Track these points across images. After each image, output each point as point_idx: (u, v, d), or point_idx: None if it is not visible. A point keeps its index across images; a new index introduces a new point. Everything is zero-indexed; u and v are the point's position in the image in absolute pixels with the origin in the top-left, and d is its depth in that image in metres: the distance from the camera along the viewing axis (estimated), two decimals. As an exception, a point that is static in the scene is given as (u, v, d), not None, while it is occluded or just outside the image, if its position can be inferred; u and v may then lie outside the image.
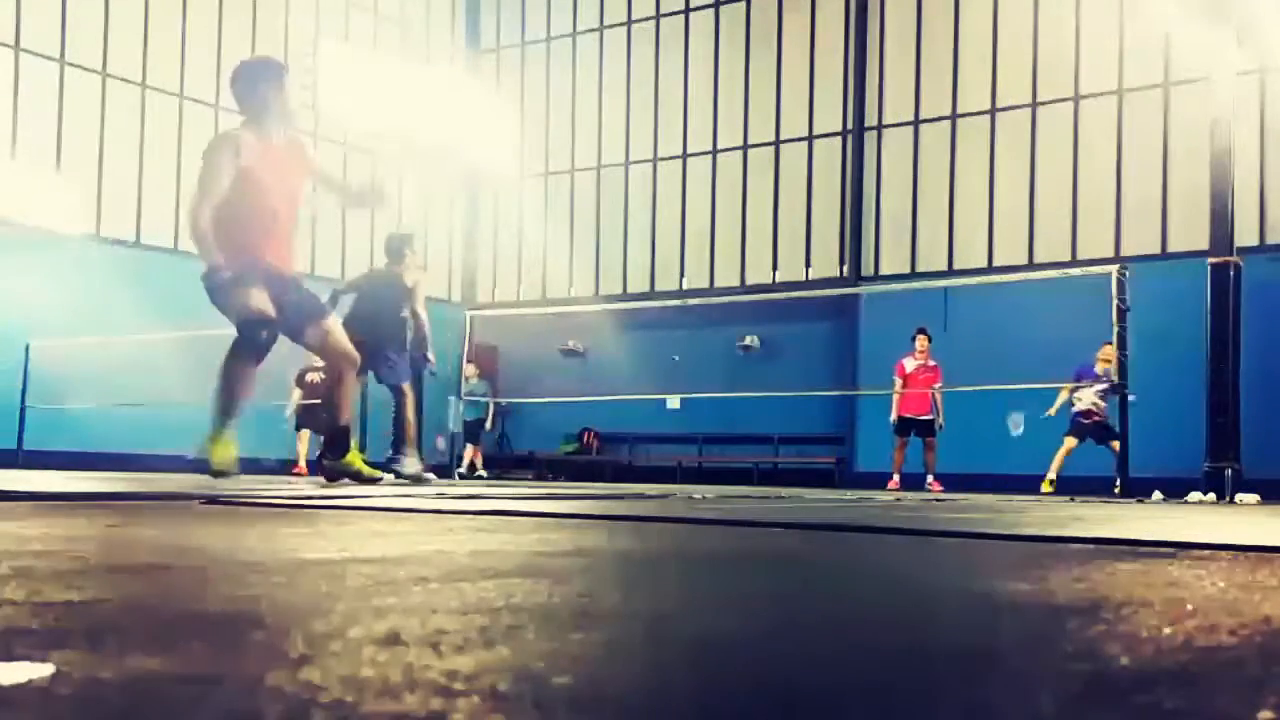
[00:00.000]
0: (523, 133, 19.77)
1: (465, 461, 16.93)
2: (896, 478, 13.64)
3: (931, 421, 13.72)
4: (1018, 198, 16.89)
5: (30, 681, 0.85)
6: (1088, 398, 12.91)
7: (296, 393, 16.47)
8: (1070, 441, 13.13)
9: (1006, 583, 1.91)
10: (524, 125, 19.95)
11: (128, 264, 16.17)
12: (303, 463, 16.61)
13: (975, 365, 13.63)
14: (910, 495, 9.74)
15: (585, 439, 19.94)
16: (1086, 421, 13.04)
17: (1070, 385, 12.81)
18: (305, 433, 16.55)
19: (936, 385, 13.65)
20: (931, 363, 13.74)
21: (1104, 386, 12.29)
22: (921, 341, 13.70)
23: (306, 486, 7.03)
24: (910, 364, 13.78)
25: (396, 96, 15.93)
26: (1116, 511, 5.94)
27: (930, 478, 13.60)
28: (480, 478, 16.79)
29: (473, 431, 17.45)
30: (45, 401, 14.62)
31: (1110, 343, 11.20)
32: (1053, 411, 13.24)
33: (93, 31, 16.48)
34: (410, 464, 8.99)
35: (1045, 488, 12.87)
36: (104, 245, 16.18)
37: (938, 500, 7.84)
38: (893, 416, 13.91)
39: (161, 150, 17.18)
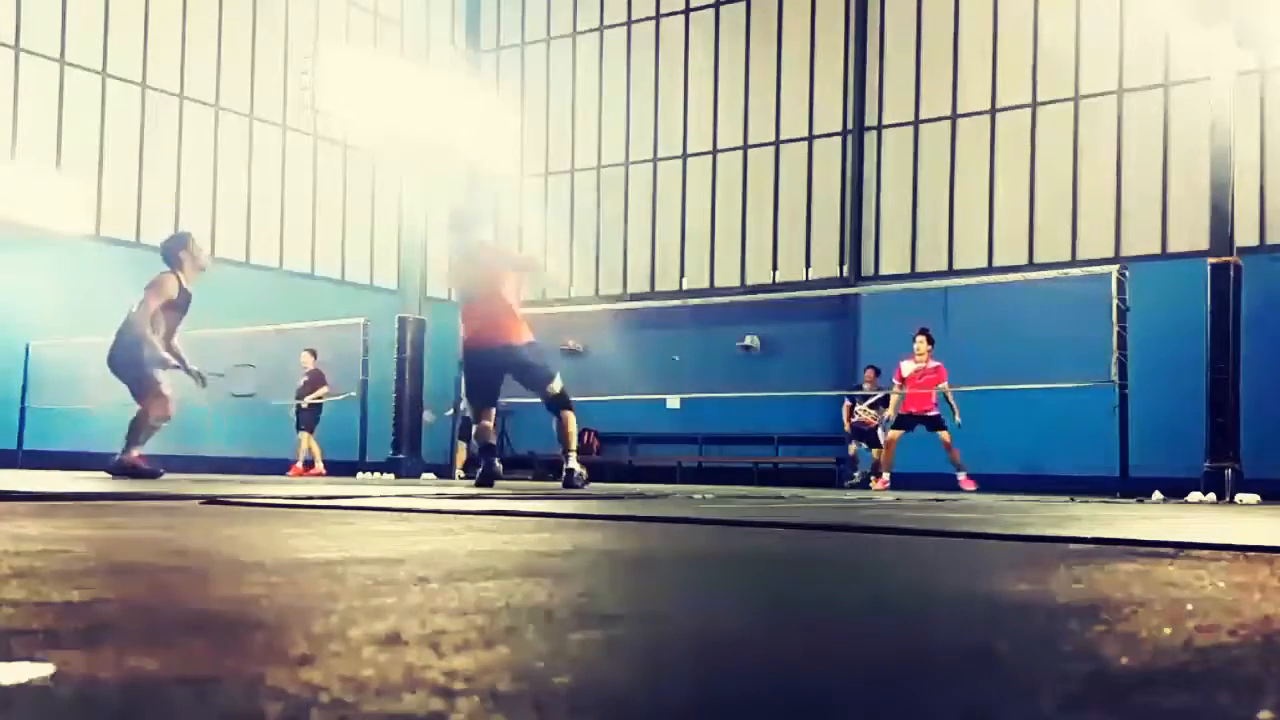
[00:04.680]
0: (523, 133, 19.76)
1: (462, 460, 16.91)
2: (886, 476, 13.12)
3: (938, 416, 13.05)
4: (1018, 198, 16.89)
5: (30, 681, 0.85)
6: (862, 411, 15.04)
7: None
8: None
9: (1006, 583, 1.91)
10: (524, 125, 19.94)
11: (128, 264, 16.13)
12: (300, 463, 16.60)
13: (975, 365, 13.61)
14: (907, 495, 9.73)
15: (585, 439, 19.92)
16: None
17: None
18: (304, 434, 16.57)
19: (942, 385, 12.95)
20: (933, 364, 13.01)
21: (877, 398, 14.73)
22: (919, 344, 13.02)
23: (307, 486, 7.03)
24: (908, 367, 13.13)
25: (396, 96, 15.90)
26: (1116, 511, 5.94)
27: (961, 475, 12.86)
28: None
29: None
30: (45, 401, 14.61)
31: (871, 367, 15.12)
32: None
33: (93, 31, 16.47)
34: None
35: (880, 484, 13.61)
36: (104, 245, 16.18)
37: (937, 500, 7.83)
38: (888, 413, 13.54)
39: (161, 150, 17.18)
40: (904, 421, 13.25)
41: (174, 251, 9.05)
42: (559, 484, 8.68)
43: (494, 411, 8.82)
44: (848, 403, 15.46)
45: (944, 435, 13.05)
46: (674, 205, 19.90)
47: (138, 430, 8.69)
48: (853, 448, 15.63)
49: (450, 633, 1.14)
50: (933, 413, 13.13)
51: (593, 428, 19.79)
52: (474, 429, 9.12)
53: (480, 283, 8.33)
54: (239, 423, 15.41)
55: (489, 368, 8.46)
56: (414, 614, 1.27)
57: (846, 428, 15.56)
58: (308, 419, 16.57)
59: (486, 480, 8.32)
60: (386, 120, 15.92)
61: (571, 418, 8.61)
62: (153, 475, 8.40)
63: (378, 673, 0.91)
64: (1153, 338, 13.04)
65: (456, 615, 1.27)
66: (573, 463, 8.46)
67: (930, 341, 13.08)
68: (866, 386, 15.24)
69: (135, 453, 8.61)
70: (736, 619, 1.43)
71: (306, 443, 16.59)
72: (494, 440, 8.91)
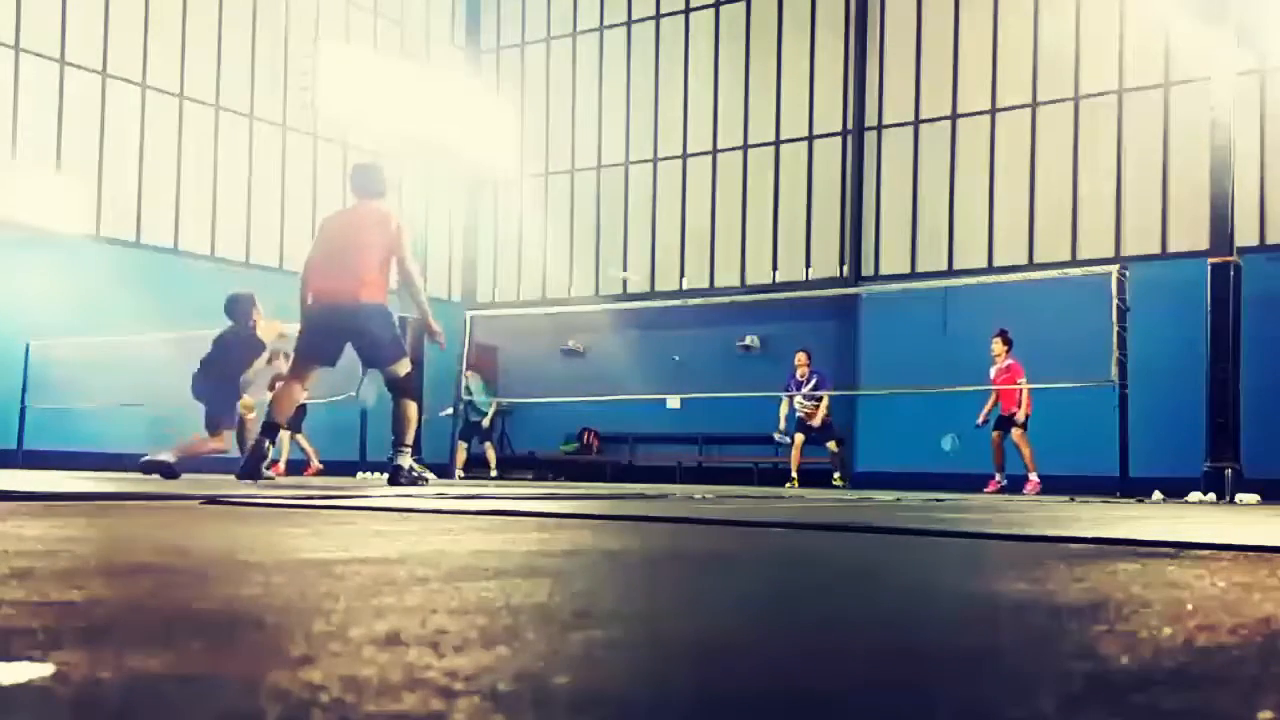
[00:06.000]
0: (523, 133, 19.76)
1: (462, 461, 16.90)
2: (999, 477, 13.18)
3: (1012, 416, 13.21)
4: (1018, 198, 16.88)
5: (30, 681, 0.85)
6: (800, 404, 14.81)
7: (267, 395, 16.39)
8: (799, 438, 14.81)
9: (1006, 583, 1.91)
10: (524, 125, 19.94)
11: (128, 264, 16.16)
12: (282, 463, 16.50)
13: (975, 365, 13.62)
14: (908, 495, 9.73)
15: (585, 439, 19.93)
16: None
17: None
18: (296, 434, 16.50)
19: (1020, 380, 13.16)
20: (1007, 362, 13.25)
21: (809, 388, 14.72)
22: (994, 345, 13.35)
23: (307, 486, 7.04)
24: (993, 370, 13.42)
25: (396, 96, 15.90)
26: (1116, 511, 5.94)
27: (1032, 477, 13.00)
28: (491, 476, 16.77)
29: (474, 432, 17.38)
30: (45, 401, 14.62)
31: (803, 350, 14.77)
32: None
33: (93, 31, 16.46)
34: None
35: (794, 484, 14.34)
36: (104, 245, 16.17)
37: (938, 500, 7.83)
38: (979, 420, 13.49)
39: (161, 150, 17.18)
40: (1001, 423, 13.36)
41: (245, 313, 9.84)
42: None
43: (310, 379, 7.79)
44: (786, 397, 14.82)
45: (1015, 433, 13.19)
46: (674, 205, 19.90)
47: (191, 453, 9.30)
48: (784, 437, 14.88)
49: (450, 633, 1.14)
50: (1010, 412, 13.25)
51: (593, 428, 19.80)
52: (272, 401, 8.01)
53: (350, 242, 7.44)
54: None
55: (331, 327, 7.49)
56: (414, 614, 1.27)
57: (780, 425, 14.89)
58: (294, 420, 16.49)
59: (251, 470, 7.45)
60: (386, 120, 15.92)
61: (412, 408, 7.72)
62: (173, 475, 8.88)
63: (378, 673, 0.91)
64: (1153, 338, 13.04)
65: (456, 615, 1.27)
66: (404, 459, 7.62)
67: (1004, 341, 13.28)
68: (801, 371, 14.74)
69: (173, 455, 9.10)
70: (736, 619, 1.43)
71: (298, 441, 16.54)
72: (284, 422, 8.07)
